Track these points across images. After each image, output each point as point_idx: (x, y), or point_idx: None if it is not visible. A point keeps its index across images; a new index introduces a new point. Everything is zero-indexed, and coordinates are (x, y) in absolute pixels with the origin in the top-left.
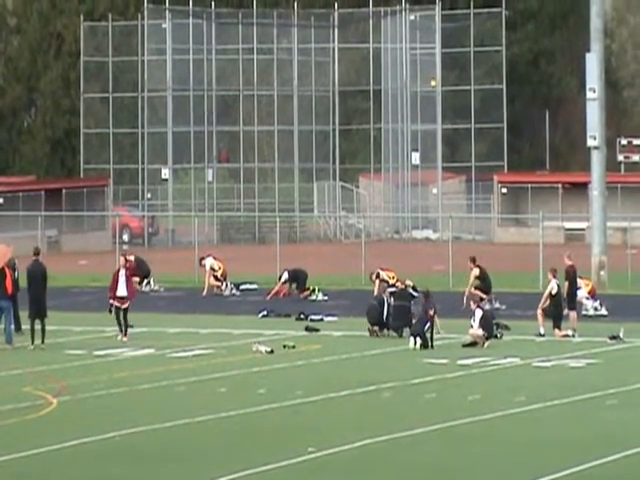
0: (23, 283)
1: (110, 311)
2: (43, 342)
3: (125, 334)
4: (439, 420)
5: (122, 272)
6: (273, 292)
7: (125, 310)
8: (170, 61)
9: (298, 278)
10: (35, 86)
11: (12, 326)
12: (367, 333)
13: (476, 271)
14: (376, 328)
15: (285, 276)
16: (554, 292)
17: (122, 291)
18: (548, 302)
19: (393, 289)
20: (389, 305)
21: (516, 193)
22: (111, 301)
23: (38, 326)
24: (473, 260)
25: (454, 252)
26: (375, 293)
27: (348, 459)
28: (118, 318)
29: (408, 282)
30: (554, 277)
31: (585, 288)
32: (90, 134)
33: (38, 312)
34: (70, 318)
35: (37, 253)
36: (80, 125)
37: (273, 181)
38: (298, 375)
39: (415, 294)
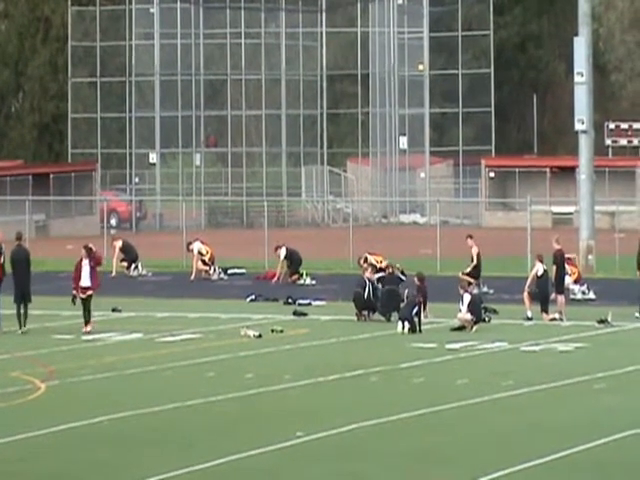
0: (8, 268)
1: (73, 302)
2: (25, 326)
3: (88, 323)
4: (427, 404)
5: (85, 262)
6: (278, 275)
7: (88, 299)
8: (158, 46)
9: (293, 260)
10: (23, 71)
11: (1, 311)
12: (355, 317)
13: (476, 249)
14: (365, 312)
15: (284, 252)
16: (539, 274)
17: (85, 281)
18: (534, 285)
19: (381, 274)
20: (373, 286)
21: (504, 177)
22: (74, 292)
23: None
24: (470, 236)
25: (442, 236)
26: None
27: (336, 443)
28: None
29: (397, 265)
30: (540, 262)
31: (572, 277)
32: (78, 119)
33: (23, 296)
34: (58, 302)
35: (20, 238)
36: (68, 110)
37: (261, 165)
38: (286, 359)
39: (403, 278)
